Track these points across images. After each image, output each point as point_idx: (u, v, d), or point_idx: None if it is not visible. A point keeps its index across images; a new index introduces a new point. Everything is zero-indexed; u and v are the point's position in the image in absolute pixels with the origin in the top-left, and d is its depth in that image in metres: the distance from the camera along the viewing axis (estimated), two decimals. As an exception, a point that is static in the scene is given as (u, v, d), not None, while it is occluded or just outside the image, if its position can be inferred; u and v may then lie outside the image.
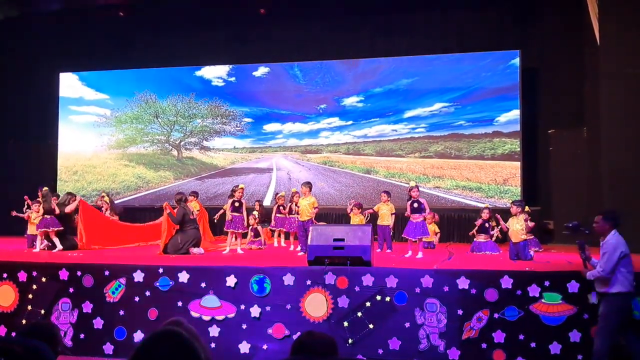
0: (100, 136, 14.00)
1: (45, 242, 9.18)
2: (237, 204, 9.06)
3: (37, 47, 13.91)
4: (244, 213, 9.09)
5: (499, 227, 9.02)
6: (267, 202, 12.27)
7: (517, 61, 11.77)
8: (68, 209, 9.30)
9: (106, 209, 10.81)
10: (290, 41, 12.97)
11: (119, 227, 10.33)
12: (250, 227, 9.67)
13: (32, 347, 2.25)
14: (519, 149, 11.77)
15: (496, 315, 6.10)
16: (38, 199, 10.41)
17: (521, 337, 6.04)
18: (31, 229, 10.04)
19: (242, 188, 9.25)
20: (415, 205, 8.25)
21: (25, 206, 10.32)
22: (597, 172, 9.97)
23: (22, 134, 13.91)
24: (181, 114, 13.65)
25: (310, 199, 8.99)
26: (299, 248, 9.26)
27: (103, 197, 11.16)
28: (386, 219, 9.27)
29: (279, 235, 10.48)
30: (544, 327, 6.03)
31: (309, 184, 9.19)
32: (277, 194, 10.73)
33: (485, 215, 9.33)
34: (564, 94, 11.58)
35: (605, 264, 5.51)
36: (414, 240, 8.13)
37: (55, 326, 2.92)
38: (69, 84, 14.10)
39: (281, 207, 10.07)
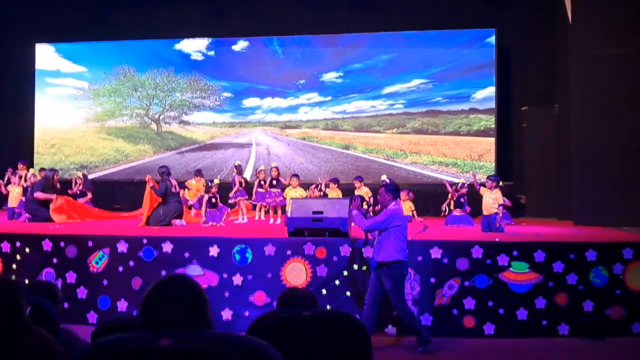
0: (78, 109, 13.90)
1: (28, 215, 9.25)
2: (213, 200, 9.20)
3: (13, 17, 13.67)
4: (223, 209, 9.25)
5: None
6: (246, 177, 12.39)
7: (492, 39, 12.01)
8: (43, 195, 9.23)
9: (80, 184, 10.87)
10: (270, 15, 12.96)
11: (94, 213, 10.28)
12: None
13: (37, 303, 2.42)
14: (493, 126, 12.08)
15: (467, 283, 6.42)
16: (17, 172, 10.47)
17: (490, 303, 6.38)
18: (11, 202, 10.09)
19: (216, 184, 9.34)
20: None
21: (6, 179, 10.33)
22: (567, 148, 10.31)
23: (-3, 106, 13.75)
24: (160, 87, 13.63)
25: (298, 191, 9.28)
26: (278, 221, 9.50)
27: (78, 175, 11.21)
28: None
29: (260, 210, 10.66)
30: (512, 294, 6.38)
31: (298, 177, 9.49)
32: (257, 169, 10.84)
33: (463, 190, 9.63)
34: (537, 72, 11.89)
35: (371, 221, 5.94)
36: None
37: (56, 285, 3.08)
38: (46, 55, 13.92)
39: (262, 182, 10.22)
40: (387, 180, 8.92)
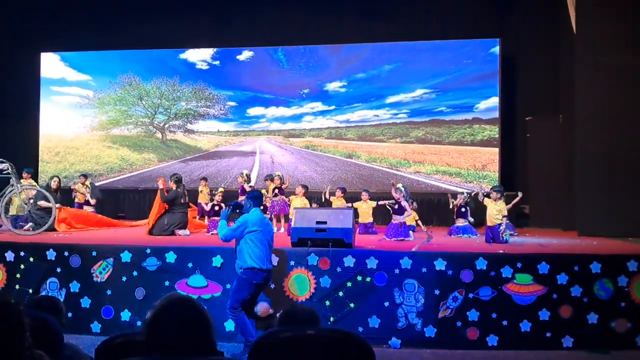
0: (83, 117, 13.97)
1: (30, 223, 9.27)
2: (217, 208, 9.23)
3: (19, 26, 13.76)
4: None
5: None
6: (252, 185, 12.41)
7: (496, 49, 12.02)
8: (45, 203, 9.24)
9: (87, 193, 10.86)
10: (275, 25, 13.03)
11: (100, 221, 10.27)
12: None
13: (41, 318, 2.43)
14: (497, 136, 12.08)
15: (471, 295, 6.39)
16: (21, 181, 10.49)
17: (494, 315, 6.35)
18: (13, 210, 10.10)
19: (221, 192, 9.38)
20: (396, 206, 8.60)
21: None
22: (571, 158, 10.29)
23: (2, 114, 13.81)
24: (165, 96, 13.69)
25: (303, 200, 9.30)
26: (282, 230, 9.51)
27: (84, 182, 11.17)
28: (366, 216, 9.57)
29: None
30: (516, 306, 6.35)
31: (305, 187, 9.50)
32: (269, 176, 10.69)
33: (460, 199, 9.61)
34: (541, 82, 11.89)
35: (227, 230, 5.93)
36: (388, 239, 8.41)
37: (59, 300, 3.09)
38: (51, 64, 14.00)
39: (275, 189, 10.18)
40: (402, 188, 8.87)
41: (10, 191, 8.74)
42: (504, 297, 6.38)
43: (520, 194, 9.95)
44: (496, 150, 12.06)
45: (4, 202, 8.62)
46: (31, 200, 9.56)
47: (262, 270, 5.82)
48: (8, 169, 8.65)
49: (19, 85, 13.91)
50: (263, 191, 10.15)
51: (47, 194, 9.01)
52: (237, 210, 6.34)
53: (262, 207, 9.83)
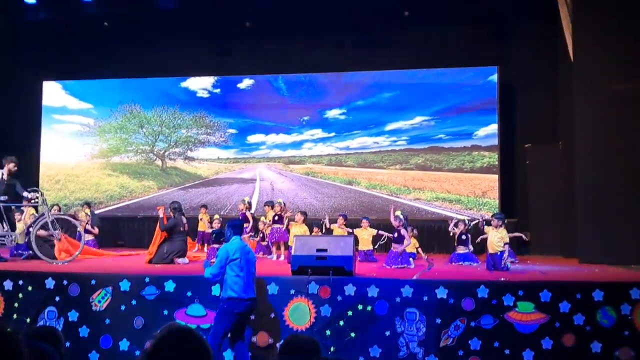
0: (84, 145, 14.03)
1: (30, 252, 9.23)
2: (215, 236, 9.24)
3: (21, 55, 13.91)
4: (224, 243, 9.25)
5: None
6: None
7: (495, 77, 12.13)
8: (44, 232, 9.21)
9: (87, 222, 10.83)
10: (275, 54, 13.19)
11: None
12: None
13: (39, 349, 2.40)
14: (497, 163, 12.10)
15: (473, 324, 6.34)
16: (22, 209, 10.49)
17: (496, 344, 6.28)
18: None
19: (217, 219, 9.38)
20: (396, 234, 8.59)
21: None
22: (571, 185, 10.29)
23: (3, 142, 13.85)
24: (166, 124, 13.77)
25: (303, 227, 9.29)
26: (282, 258, 9.47)
27: (85, 211, 11.16)
28: (366, 244, 9.54)
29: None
30: (518, 334, 6.29)
31: (305, 213, 9.50)
32: (269, 203, 10.65)
33: (460, 227, 9.58)
34: (539, 109, 11.98)
35: (212, 267, 5.91)
36: (389, 267, 8.36)
37: (58, 330, 3.06)
38: (53, 92, 14.12)
39: (276, 216, 10.15)
40: (401, 216, 8.87)
41: (42, 220, 8.70)
42: (506, 326, 6.32)
43: (525, 237, 9.98)
44: (496, 177, 12.08)
45: (35, 232, 8.60)
46: (31, 229, 9.53)
47: (243, 299, 5.78)
48: (38, 197, 8.78)
49: (21, 113, 13.99)
50: (262, 218, 10.18)
51: (72, 219, 8.96)
52: (221, 239, 6.35)
53: (250, 235, 9.95)
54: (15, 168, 8.80)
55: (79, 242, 9.34)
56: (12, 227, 8.62)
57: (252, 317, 6.57)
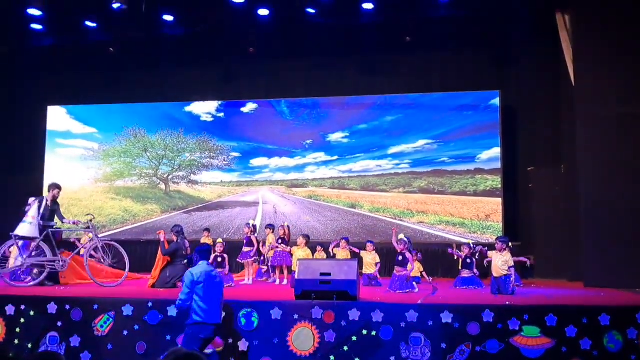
0: (88, 169, 14.08)
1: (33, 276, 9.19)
2: (219, 259, 9.20)
3: (26, 80, 14.07)
4: (227, 267, 9.24)
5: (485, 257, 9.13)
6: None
7: (497, 101, 12.19)
8: None
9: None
10: (278, 78, 13.31)
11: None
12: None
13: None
14: (500, 186, 12.09)
15: (478, 348, 6.28)
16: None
17: (502, 369, 6.21)
18: (13, 262, 10.00)
19: (220, 242, 9.38)
20: (400, 258, 8.51)
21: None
22: (575, 208, 10.27)
23: (8, 167, 13.93)
24: (170, 148, 13.83)
25: (306, 251, 9.27)
26: (285, 282, 9.42)
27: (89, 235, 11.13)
28: (370, 267, 9.48)
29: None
30: (524, 359, 6.21)
31: (308, 237, 9.49)
32: (270, 226, 10.63)
33: (465, 250, 9.54)
34: (542, 132, 12.02)
35: (181, 294, 5.91)
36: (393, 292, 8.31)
37: (61, 356, 3.03)
38: (57, 117, 14.21)
39: (280, 240, 10.13)
40: (405, 239, 8.82)
41: (93, 245, 9.02)
42: (511, 350, 6.26)
43: (529, 262, 9.93)
44: (499, 200, 12.05)
45: (87, 256, 8.88)
46: (33, 253, 9.51)
47: (207, 324, 5.76)
48: (89, 222, 9.21)
49: (26, 137, 14.09)
50: (268, 241, 10.10)
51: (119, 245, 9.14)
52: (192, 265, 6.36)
53: (255, 260, 9.90)
54: (59, 195, 9.12)
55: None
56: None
57: (256, 342, 6.53)
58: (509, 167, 12.19)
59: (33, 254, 8.59)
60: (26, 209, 8.89)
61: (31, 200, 9.19)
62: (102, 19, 11.62)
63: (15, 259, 8.93)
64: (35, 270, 8.94)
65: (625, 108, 9.45)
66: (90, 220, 9.23)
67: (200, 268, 5.97)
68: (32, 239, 8.56)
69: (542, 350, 6.25)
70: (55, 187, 9.07)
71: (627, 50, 9.56)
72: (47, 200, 8.84)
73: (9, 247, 8.89)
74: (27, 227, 8.50)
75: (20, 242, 8.63)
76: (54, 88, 14.04)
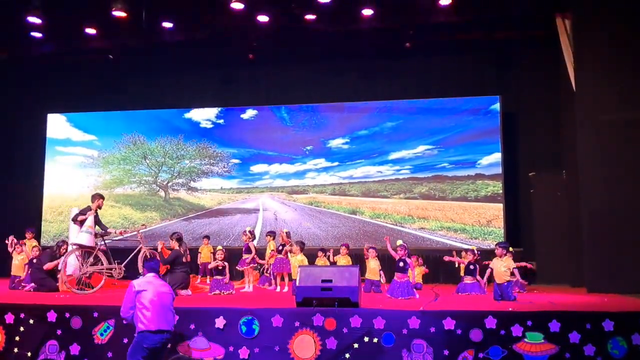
0: (87, 177, 14.06)
1: (33, 284, 9.18)
2: (220, 267, 9.14)
3: (26, 88, 14.08)
4: (227, 275, 9.16)
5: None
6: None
7: (497, 106, 12.18)
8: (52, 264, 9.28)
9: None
10: (278, 85, 13.32)
11: None
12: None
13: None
14: (501, 191, 12.06)
15: (481, 355, 6.21)
16: (24, 240, 10.46)
17: (506, 376, 6.15)
18: (14, 270, 10.00)
19: (220, 249, 9.31)
20: (401, 264, 8.44)
21: (11, 247, 10.27)
22: (577, 213, 10.23)
23: (7, 174, 13.91)
24: (169, 155, 13.81)
25: (301, 257, 9.19)
26: (286, 289, 9.35)
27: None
28: (374, 273, 9.39)
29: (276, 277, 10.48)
30: (528, 366, 6.16)
31: (302, 243, 9.42)
32: (271, 233, 10.58)
33: (469, 257, 9.48)
34: (542, 137, 12.02)
35: (122, 307, 5.87)
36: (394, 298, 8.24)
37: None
38: (57, 125, 14.21)
39: (280, 246, 10.05)
40: (404, 245, 8.75)
41: (139, 251, 9.40)
42: (515, 357, 6.19)
43: (530, 266, 9.90)
44: (500, 205, 12.02)
45: (142, 264, 9.13)
46: (34, 261, 9.50)
47: (151, 332, 5.67)
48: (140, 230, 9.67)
49: (26, 146, 14.11)
50: (269, 248, 10.03)
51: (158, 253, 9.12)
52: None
53: (254, 267, 9.83)
54: (102, 204, 9.39)
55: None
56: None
57: (257, 350, 6.47)
58: (509, 173, 12.17)
59: (90, 262, 8.79)
60: (78, 218, 9.09)
61: (74, 209, 9.60)
62: (102, 26, 11.62)
63: (73, 267, 9.02)
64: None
65: (626, 113, 9.42)
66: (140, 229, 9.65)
67: (144, 278, 5.98)
68: (91, 248, 8.82)
69: (545, 357, 6.18)
70: (99, 197, 9.31)
71: (628, 55, 9.55)
72: (95, 212, 9.04)
73: (68, 256, 8.97)
74: (86, 237, 8.77)
75: (79, 252, 8.80)
76: (54, 95, 14.06)
